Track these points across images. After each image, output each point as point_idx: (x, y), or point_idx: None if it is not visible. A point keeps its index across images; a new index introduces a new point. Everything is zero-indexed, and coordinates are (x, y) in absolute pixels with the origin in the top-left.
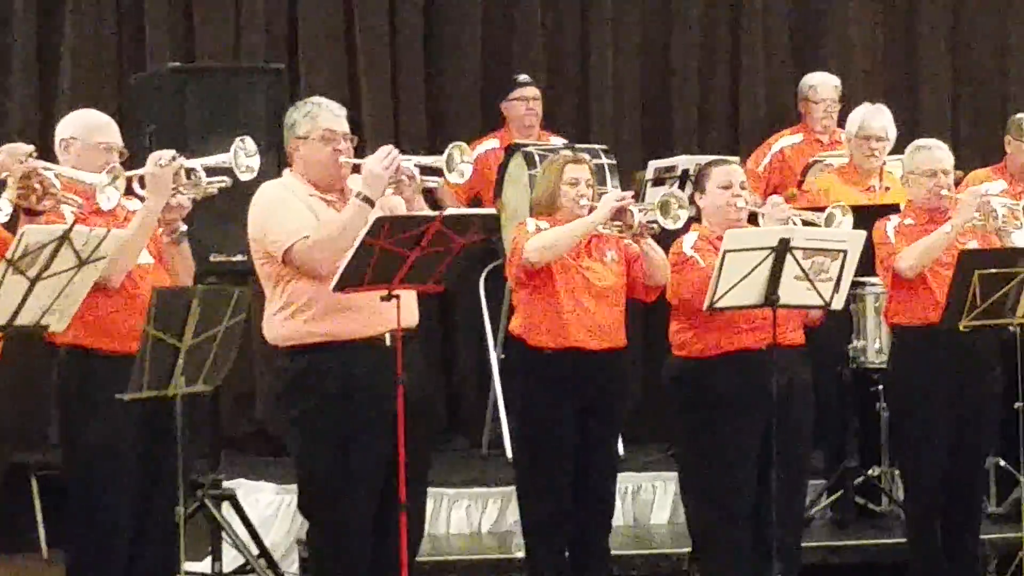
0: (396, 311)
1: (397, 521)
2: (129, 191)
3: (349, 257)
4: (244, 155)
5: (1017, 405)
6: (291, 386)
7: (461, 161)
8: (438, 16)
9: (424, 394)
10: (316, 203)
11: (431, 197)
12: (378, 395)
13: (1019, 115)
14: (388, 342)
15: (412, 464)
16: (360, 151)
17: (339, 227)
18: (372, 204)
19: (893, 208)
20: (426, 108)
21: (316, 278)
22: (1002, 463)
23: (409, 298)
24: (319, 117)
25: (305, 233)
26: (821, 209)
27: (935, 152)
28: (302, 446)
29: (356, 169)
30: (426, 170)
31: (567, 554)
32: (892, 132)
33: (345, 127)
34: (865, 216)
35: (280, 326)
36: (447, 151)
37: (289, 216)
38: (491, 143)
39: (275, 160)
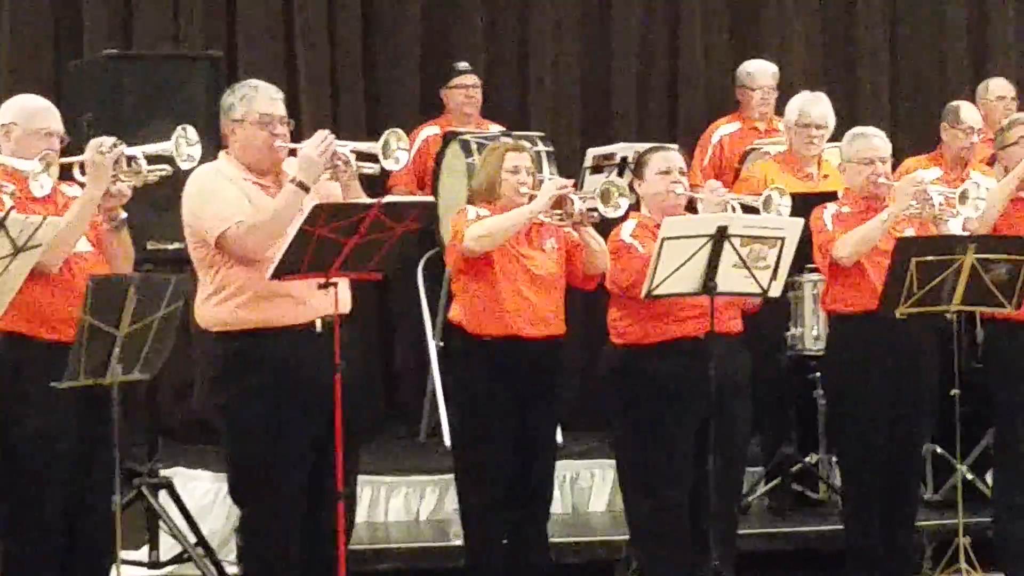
0: (327, 298)
1: (329, 509)
2: (70, 177)
3: (287, 245)
4: (186, 144)
5: (953, 392)
6: (221, 372)
7: (397, 148)
8: (377, 2)
9: (357, 381)
10: (250, 188)
11: (383, 183)
12: (308, 382)
13: (954, 103)
14: (319, 329)
15: (344, 451)
16: (298, 138)
17: (273, 213)
18: (307, 189)
19: (831, 196)
20: (365, 96)
21: (250, 264)
22: (939, 450)
23: (342, 285)
24: (255, 100)
25: (239, 219)
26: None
27: (872, 140)
28: (232, 432)
29: (293, 153)
30: (362, 156)
31: (505, 541)
32: (831, 120)
33: (282, 110)
34: (803, 204)
35: (212, 311)
36: (383, 137)
37: (223, 201)
38: (431, 130)
39: (213, 148)
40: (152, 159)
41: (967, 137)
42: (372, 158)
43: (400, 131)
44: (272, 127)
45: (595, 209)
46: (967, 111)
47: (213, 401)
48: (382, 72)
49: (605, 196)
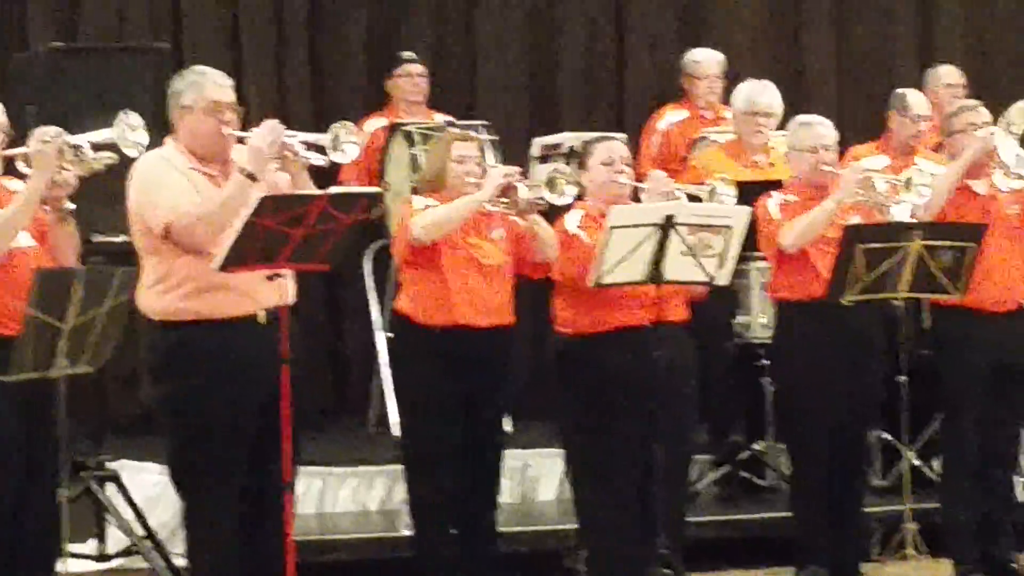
0: (271, 290)
1: (273, 500)
2: (13, 172)
3: (234, 236)
4: (129, 129)
5: (900, 378)
6: (162, 362)
7: (346, 140)
8: None
9: (298, 372)
10: (197, 177)
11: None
12: (250, 374)
13: (902, 90)
14: (262, 320)
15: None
16: (245, 130)
17: (220, 203)
18: (255, 180)
19: (779, 184)
20: (311, 87)
21: (197, 253)
22: (886, 436)
23: (286, 276)
24: (204, 87)
25: (186, 208)
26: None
27: (817, 128)
28: (172, 423)
29: (241, 141)
30: (311, 147)
31: (454, 531)
32: (778, 108)
33: (231, 97)
34: (751, 192)
35: (155, 300)
36: (332, 129)
37: (170, 191)
38: (379, 122)
39: (160, 141)
40: (97, 147)
41: (915, 125)
42: (321, 150)
43: (350, 123)
44: (220, 114)
45: (542, 197)
46: (914, 98)
47: (154, 391)
48: (329, 63)
49: (552, 184)
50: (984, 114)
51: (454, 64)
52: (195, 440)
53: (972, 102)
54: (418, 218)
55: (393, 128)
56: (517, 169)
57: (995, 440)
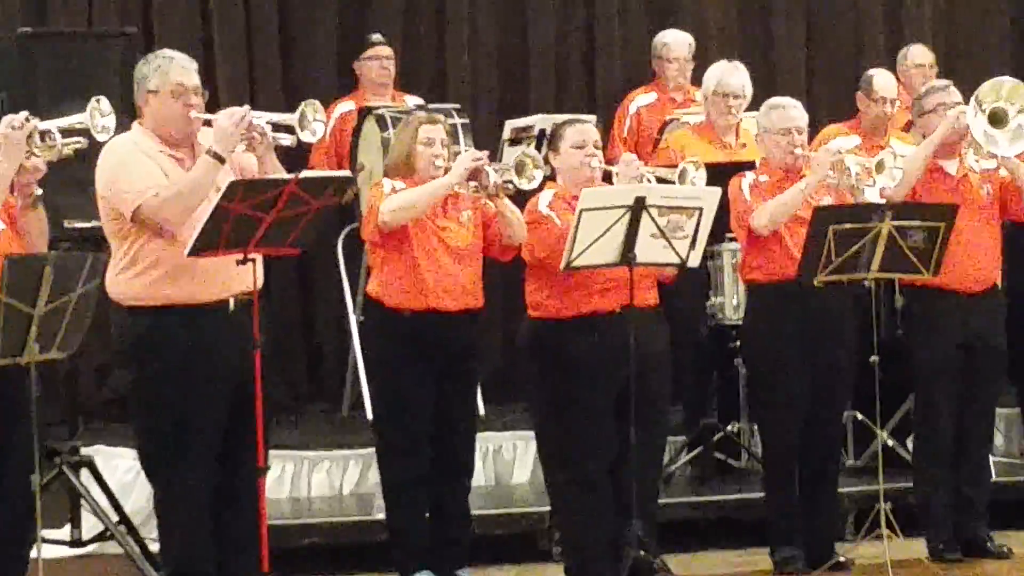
0: (241, 275)
1: (245, 484)
2: None
3: (204, 222)
4: (100, 115)
5: (873, 359)
6: (132, 347)
7: (314, 119)
8: None
9: (271, 357)
10: (165, 160)
11: (303, 158)
12: (219, 359)
13: (871, 71)
14: (232, 307)
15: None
16: (212, 112)
17: (189, 185)
18: (222, 161)
19: (749, 165)
20: (282, 70)
21: (165, 236)
22: (859, 416)
23: (256, 260)
24: (170, 71)
25: (154, 191)
26: (676, 167)
27: (789, 110)
28: (142, 407)
29: (208, 124)
30: (278, 127)
31: (428, 514)
32: (748, 90)
33: (196, 81)
34: (722, 174)
35: (125, 284)
36: (299, 109)
37: (138, 174)
38: (346, 106)
39: (129, 125)
40: (67, 132)
41: (882, 105)
42: (289, 130)
43: (316, 103)
44: (186, 98)
45: (510, 181)
46: (882, 79)
47: (123, 376)
48: (299, 46)
49: (520, 168)
50: (954, 94)
51: (425, 47)
52: (165, 425)
53: (942, 82)
54: (386, 202)
55: (365, 111)
56: (485, 153)
57: (969, 419)
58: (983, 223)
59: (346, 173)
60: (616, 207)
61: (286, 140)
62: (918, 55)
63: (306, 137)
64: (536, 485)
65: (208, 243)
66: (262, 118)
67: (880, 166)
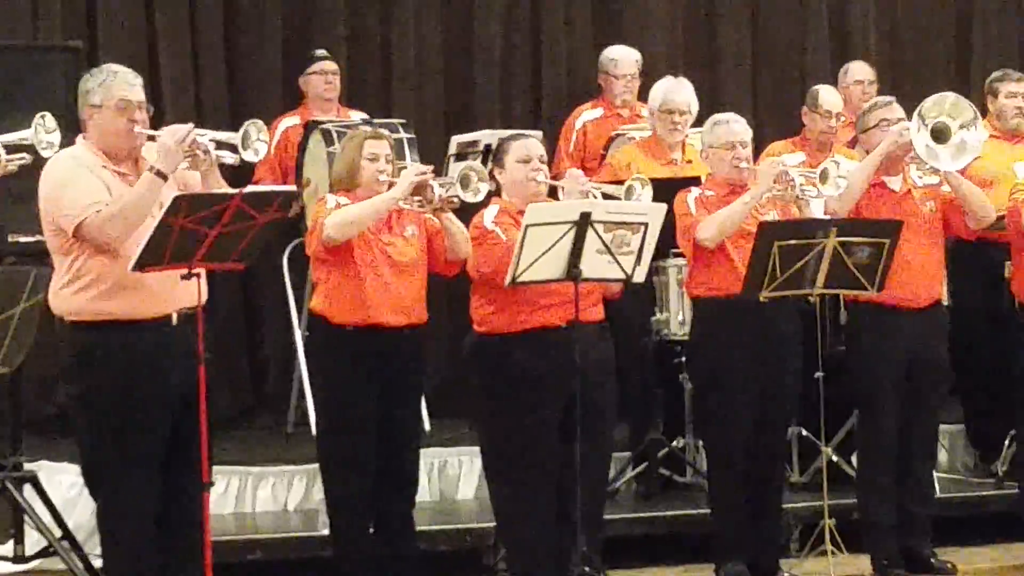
0: (185, 291)
1: (188, 499)
2: None
3: (148, 236)
4: (44, 131)
5: (818, 375)
6: (75, 362)
7: (257, 139)
8: None
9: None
10: (108, 175)
11: (248, 172)
12: (162, 375)
13: (815, 87)
14: (175, 322)
15: (197, 444)
16: (157, 127)
17: (131, 202)
18: (165, 178)
19: (695, 181)
20: (227, 85)
21: (108, 252)
22: (804, 432)
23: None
24: (114, 86)
25: (98, 207)
26: (622, 183)
27: (733, 125)
28: (84, 423)
29: (152, 139)
30: (222, 146)
31: (372, 530)
32: (694, 106)
33: (140, 96)
34: (667, 189)
35: (67, 299)
36: (243, 128)
37: (81, 189)
38: (291, 121)
39: (73, 139)
40: (11, 148)
41: (827, 120)
42: (232, 148)
43: (260, 122)
44: (131, 113)
45: (455, 194)
46: (826, 95)
47: (67, 391)
48: (244, 61)
49: (464, 181)
50: (897, 110)
51: (370, 62)
52: (108, 440)
53: (885, 98)
54: (330, 217)
55: (311, 126)
56: (430, 168)
57: (913, 435)
58: (926, 239)
59: (291, 188)
60: (561, 222)
61: (229, 159)
62: (858, 71)
63: (249, 156)
64: (482, 501)
65: (152, 258)
66: (206, 136)
67: (824, 175)
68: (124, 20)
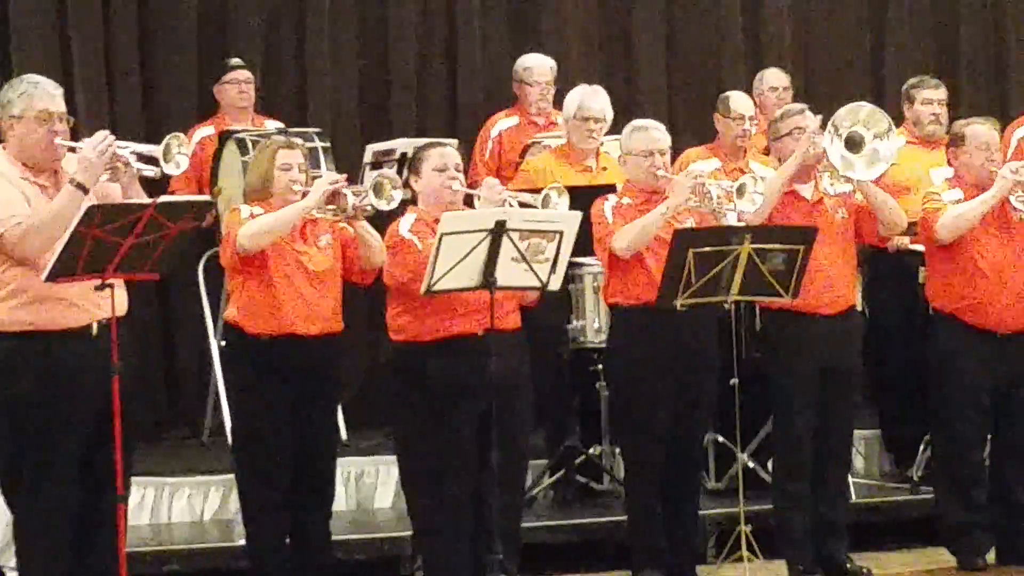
0: (104, 301)
1: (105, 512)
2: None
3: (61, 247)
4: None
5: (733, 381)
6: None
7: (178, 152)
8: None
9: (131, 383)
10: (27, 187)
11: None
12: (82, 385)
13: (726, 93)
14: (95, 332)
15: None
16: (75, 139)
17: (52, 214)
18: (86, 190)
19: (610, 188)
20: (142, 94)
21: (29, 264)
22: (720, 439)
23: (118, 287)
24: (34, 97)
25: (17, 220)
26: (538, 190)
27: (651, 132)
28: (1, 434)
29: (72, 151)
30: (143, 158)
31: (288, 540)
32: (609, 113)
33: (61, 107)
34: (583, 197)
35: None
36: (164, 141)
37: (0, 201)
38: (206, 131)
39: None
40: None
41: (740, 125)
42: (153, 161)
43: (182, 135)
44: (51, 124)
45: (369, 203)
46: (737, 100)
47: None
48: (159, 70)
49: (378, 189)
50: (810, 118)
51: (285, 70)
52: (25, 451)
53: (798, 106)
54: (244, 227)
55: (226, 135)
56: (343, 176)
57: (827, 441)
58: (838, 247)
59: (204, 198)
60: (477, 231)
61: (150, 172)
62: (773, 78)
63: (170, 169)
64: (399, 510)
65: (66, 268)
66: (127, 148)
67: (741, 190)
68: (37, 29)
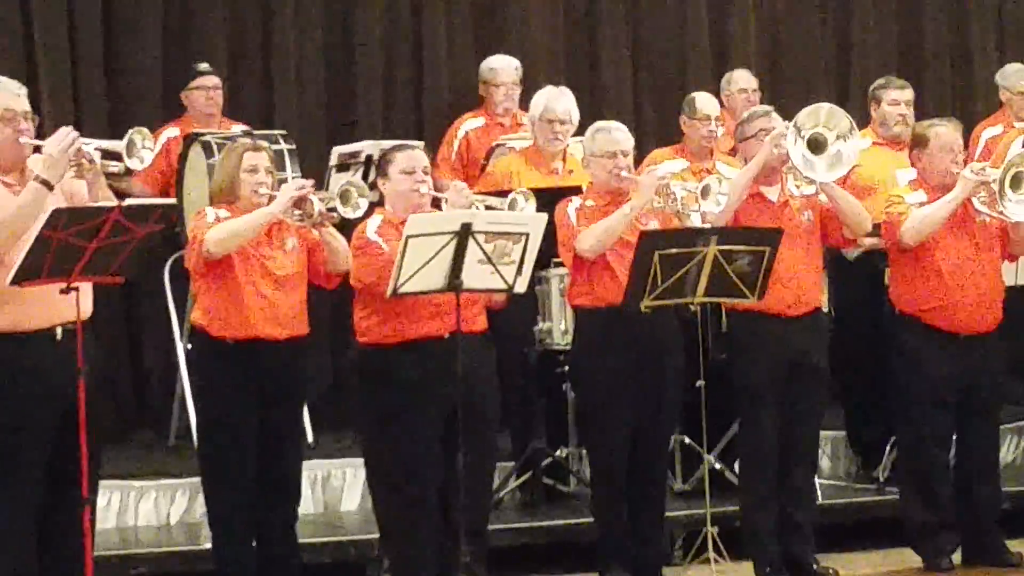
0: (69, 304)
1: (71, 515)
2: None
3: (26, 250)
4: None
5: (699, 383)
6: None
7: (142, 147)
8: (118, 1)
9: (96, 387)
10: None
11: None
12: (46, 388)
13: (691, 94)
14: (59, 336)
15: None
16: (40, 138)
17: (16, 211)
18: (51, 187)
19: (576, 190)
20: (107, 95)
21: None
22: (687, 440)
23: (83, 290)
24: None
25: None
26: (504, 193)
27: (615, 134)
28: None
29: (38, 150)
30: (107, 154)
31: (255, 542)
32: (575, 115)
33: (25, 106)
34: (549, 198)
35: None
36: (128, 136)
37: None
38: (172, 132)
39: None
40: None
41: (706, 125)
42: (117, 156)
43: (145, 130)
44: (16, 123)
45: (335, 209)
46: (703, 101)
47: None
48: (124, 71)
49: (344, 196)
50: (776, 119)
51: (251, 73)
52: None
53: (764, 108)
54: (210, 231)
55: (191, 138)
56: (310, 182)
57: (794, 442)
58: (804, 248)
59: (170, 201)
60: (442, 233)
61: (115, 167)
62: (741, 80)
63: (134, 165)
64: (365, 513)
65: (30, 271)
66: (91, 144)
67: (705, 191)
68: (2, 27)
